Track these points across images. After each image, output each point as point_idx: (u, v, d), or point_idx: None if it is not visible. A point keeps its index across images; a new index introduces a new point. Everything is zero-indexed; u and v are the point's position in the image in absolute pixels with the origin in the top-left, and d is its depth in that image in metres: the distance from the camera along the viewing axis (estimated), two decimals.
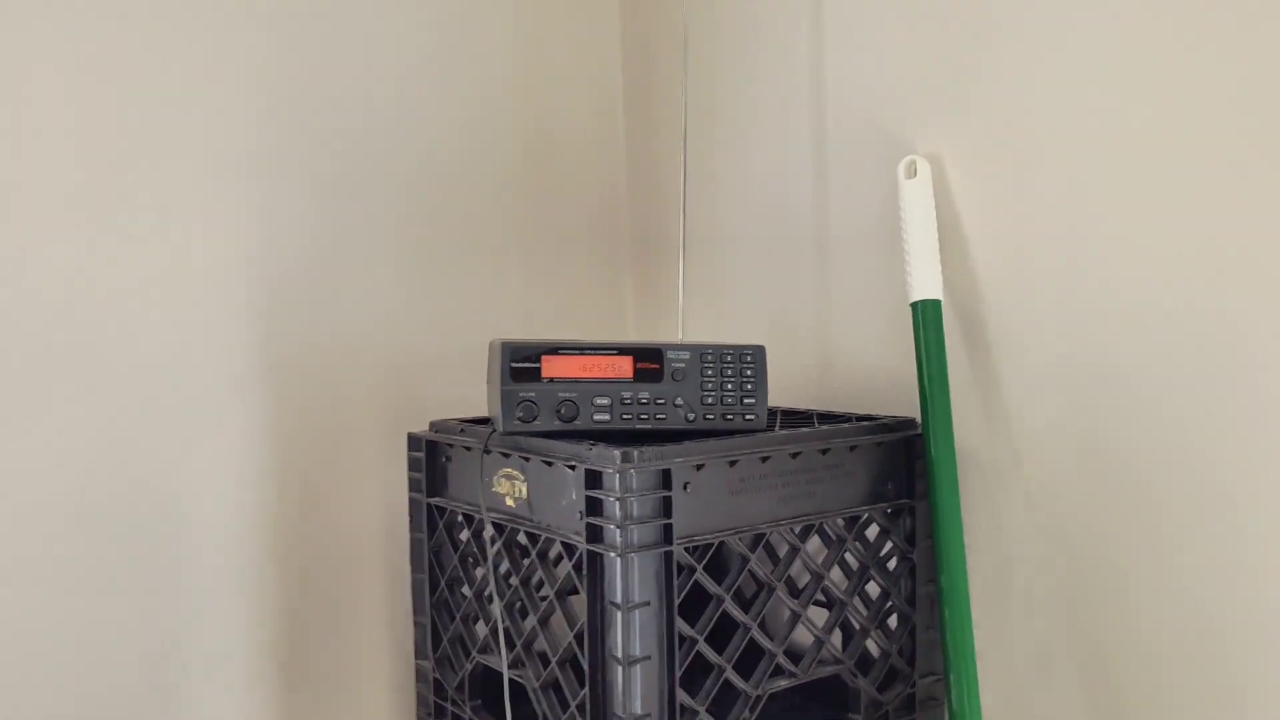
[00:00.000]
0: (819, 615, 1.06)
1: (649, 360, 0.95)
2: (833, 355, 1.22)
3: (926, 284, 1.03)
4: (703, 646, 0.90)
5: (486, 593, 1.03)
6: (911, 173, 1.07)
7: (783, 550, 0.97)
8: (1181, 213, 0.89)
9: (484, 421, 1.10)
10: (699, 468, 0.89)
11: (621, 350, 0.95)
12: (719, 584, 0.92)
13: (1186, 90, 0.88)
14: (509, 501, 0.99)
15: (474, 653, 1.06)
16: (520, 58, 1.41)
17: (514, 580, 0.99)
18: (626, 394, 0.95)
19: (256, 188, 1.20)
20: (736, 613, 0.92)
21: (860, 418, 1.07)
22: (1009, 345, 1.03)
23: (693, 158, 1.40)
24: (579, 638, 0.91)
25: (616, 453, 0.86)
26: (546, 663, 0.95)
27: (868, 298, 1.17)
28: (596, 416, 0.94)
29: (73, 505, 1.09)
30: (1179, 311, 0.89)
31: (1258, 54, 0.84)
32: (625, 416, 0.95)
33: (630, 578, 0.85)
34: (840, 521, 1.00)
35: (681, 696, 0.88)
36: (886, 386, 1.15)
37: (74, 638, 1.09)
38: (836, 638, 1.12)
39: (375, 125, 1.29)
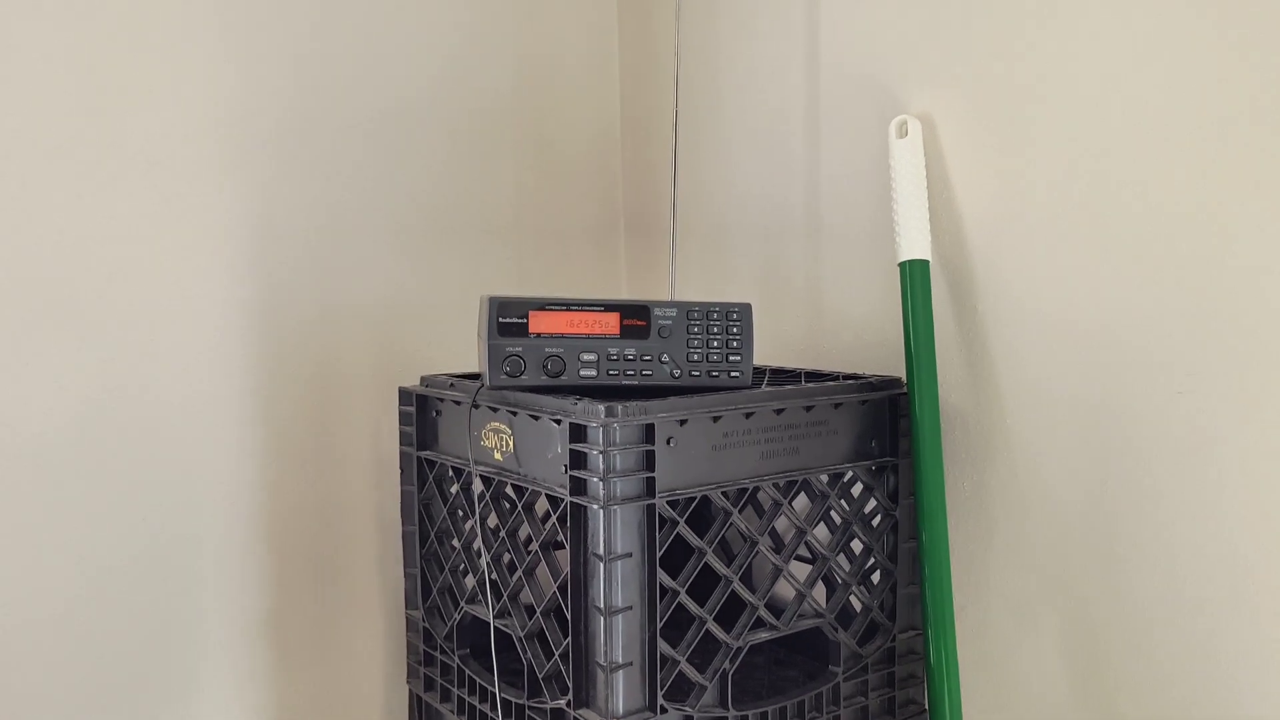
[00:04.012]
0: (801, 570, 1.08)
1: (636, 317, 0.96)
2: (823, 314, 1.22)
3: (915, 244, 1.03)
4: (684, 598, 0.91)
5: (475, 545, 1.05)
6: (903, 132, 1.07)
7: (768, 506, 0.98)
8: (1173, 171, 0.89)
9: (474, 376, 1.11)
10: (682, 423, 0.90)
11: (608, 307, 0.96)
12: (702, 538, 0.93)
13: (1180, 48, 0.88)
14: (496, 455, 1.00)
15: (462, 603, 1.08)
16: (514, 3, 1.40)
17: (501, 532, 1.01)
18: (613, 350, 0.95)
19: (246, 141, 1.20)
20: (718, 565, 0.94)
21: (847, 376, 1.08)
22: (997, 305, 1.03)
23: (686, 117, 1.40)
24: (563, 589, 0.92)
25: (601, 407, 0.87)
26: (532, 613, 0.97)
27: (858, 257, 1.18)
28: (583, 372, 0.95)
29: (70, 447, 1.10)
30: (1169, 271, 0.90)
31: (1252, 13, 0.83)
32: (611, 372, 0.96)
33: (613, 530, 0.87)
34: (824, 478, 1.01)
35: (662, 646, 0.90)
36: (877, 346, 1.16)
37: (68, 573, 1.11)
38: (819, 592, 1.14)
39: (361, 76, 1.28)
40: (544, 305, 0.94)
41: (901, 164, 1.05)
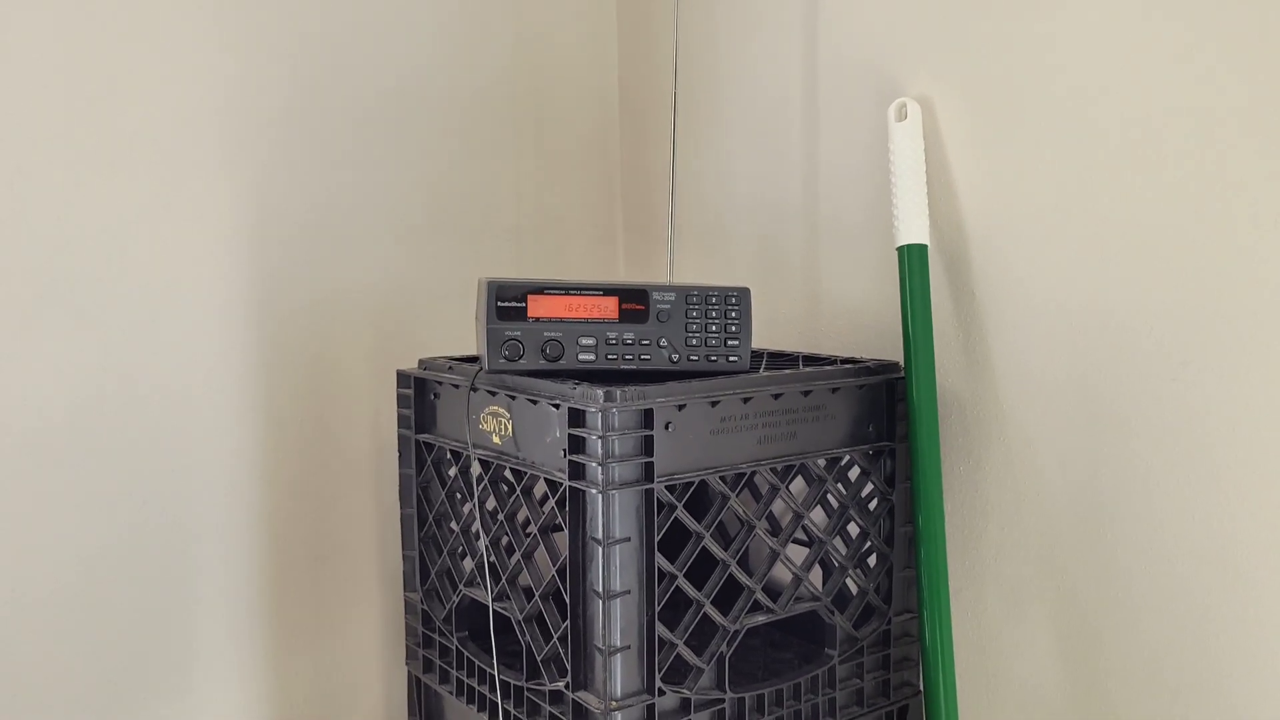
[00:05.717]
0: (798, 554, 1.08)
1: (634, 301, 0.96)
2: (821, 298, 1.22)
3: (913, 228, 1.03)
4: (682, 582, 0.92)
5: (473, 528, 1.05)
6: (902, 115, 1.07)
7: (765, 490, 0.99)
8: (1171, 158, 0.89)
9: (473, 360, 1.11)
10: (681, 408, 0.91)
11: (607, 291, 0.96)
12: (700, 522, 0.93)
13: (1177, 31, 0.88)
14: (495, 439, 1.00)
15: (461, 586, 1.08)
16: None
17: (500, 516, 1.01)
18: (611, 334, 0.95)
19: (243, 128, 1.20)
20: (716, 549, 0.94)
21: (844, 360, 1.08)
22: (995, 290, 1.03)
23: (684, 101, 1.39)
24: (561, 572, 0.93)
25: (599, 392, 0.87)
26: (530, 596, 0.97)
27: (856, 241, 1.18)
28: (581, 356, 0.95)
29: (68, 435, 1.10)
30: (1166, 258, 0.90)
31: (1252, 8, 0.83)
32: (610, 356, 0.96)
33: (611, 514, 0.87)
34: (821, 462, 1.01)
35: (660, 630, 0.90)
36: (874, 329, 1.16)
37: (67, 560, 1.11)
38: (815, 575, 1.15)
39: (359, 63, 1.28)
40: (542, 289, 0.94)
41: (900, 147, 1.05)
